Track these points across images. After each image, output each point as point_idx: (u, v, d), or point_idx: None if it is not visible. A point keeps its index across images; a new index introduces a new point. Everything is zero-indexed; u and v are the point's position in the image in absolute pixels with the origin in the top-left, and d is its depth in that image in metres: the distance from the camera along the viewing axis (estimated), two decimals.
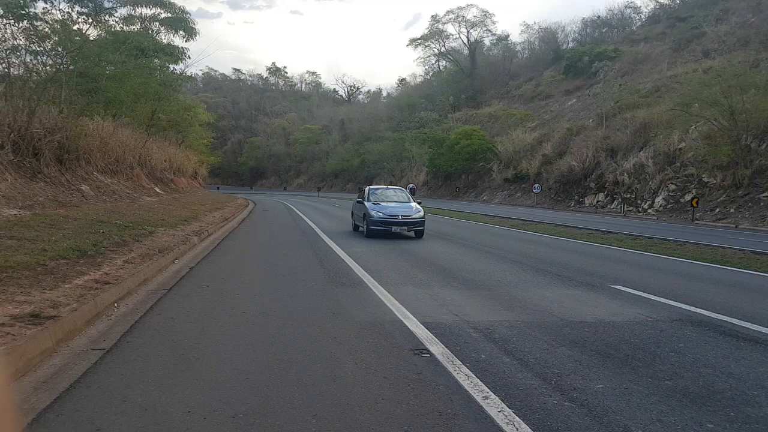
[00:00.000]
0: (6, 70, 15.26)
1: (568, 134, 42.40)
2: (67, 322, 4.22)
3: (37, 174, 12.92)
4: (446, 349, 4.32)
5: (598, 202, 34.85)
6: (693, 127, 29.91)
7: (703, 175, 28.17)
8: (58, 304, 4.53)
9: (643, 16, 70.00)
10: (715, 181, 27.33)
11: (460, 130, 53.78)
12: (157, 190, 23.79)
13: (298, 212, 23.80)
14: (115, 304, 5.31)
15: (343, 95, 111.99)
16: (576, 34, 74.49)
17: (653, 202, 30.05)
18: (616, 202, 33.09)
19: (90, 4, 21.73)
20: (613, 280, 7.96)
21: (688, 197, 27.69)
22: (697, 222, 24.33)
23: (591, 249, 12.59)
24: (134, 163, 22.26)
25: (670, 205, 28.90)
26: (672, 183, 29.76)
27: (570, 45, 72.35)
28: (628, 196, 32.16)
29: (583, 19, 74.07)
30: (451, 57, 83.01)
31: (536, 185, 39.95)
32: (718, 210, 25.52)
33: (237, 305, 5.78)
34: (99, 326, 4.64)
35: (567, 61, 60.88)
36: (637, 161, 32.82)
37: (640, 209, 30.46)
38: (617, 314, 5.81)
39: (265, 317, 5.28)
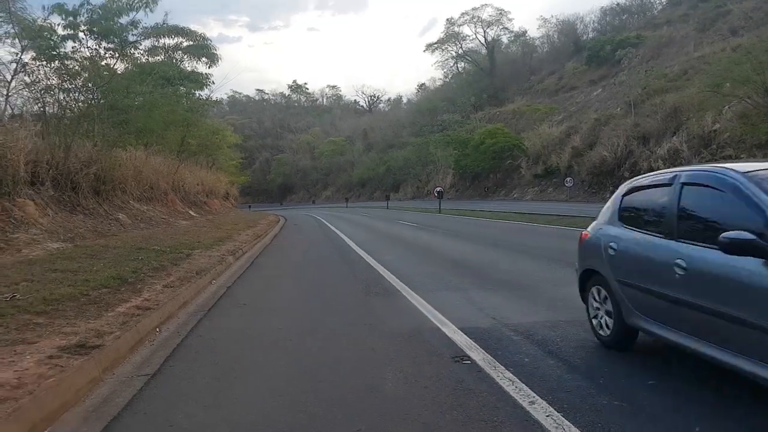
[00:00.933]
0: (42, 109, 15.86)
1: (596, 124, 41.52)
2: (112, 350, 4.31)
3: (77, 207, 13.37)
4: (487, 355, 4.23)
5: None
6: (726, 107, 28.90)
7: (742, 156, 27.13)
8: (102, 332, 4.64)
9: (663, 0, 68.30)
10: None
11: (484, 130, 53.32)
12: (192, 213, 24.33)
13: (327, 224, 23.95)
14: (157, 329, 5.41)
15: (364, 105, 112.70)
16: (595, 24, 73.05)
17: None
18: None
19: (116, 39, 22.46)
20: None
21: None
22: None
23: None
24: (168, 188, 22.83)
25: None
26: None
27: (590, 35, 70.93)
28: None
29: (602, 8, 72.84)
30: (469, 58, 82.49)
31: (568, 178, 39.05)
32: None
33: (274, 322, 5.83)
34: (142, 352, 4.72)
35: (589, 52, 59.72)
36: (671, 146, 31.88)
37: None
38: None
39: (301, 333, 5.28)
